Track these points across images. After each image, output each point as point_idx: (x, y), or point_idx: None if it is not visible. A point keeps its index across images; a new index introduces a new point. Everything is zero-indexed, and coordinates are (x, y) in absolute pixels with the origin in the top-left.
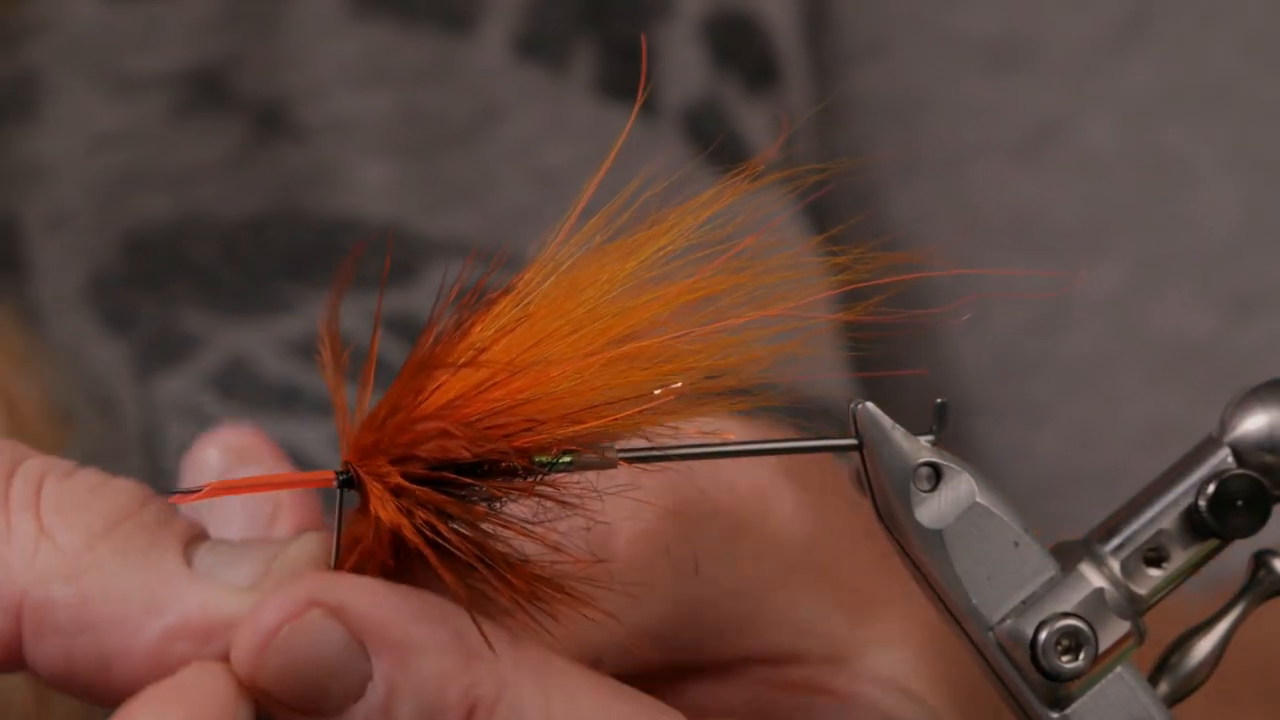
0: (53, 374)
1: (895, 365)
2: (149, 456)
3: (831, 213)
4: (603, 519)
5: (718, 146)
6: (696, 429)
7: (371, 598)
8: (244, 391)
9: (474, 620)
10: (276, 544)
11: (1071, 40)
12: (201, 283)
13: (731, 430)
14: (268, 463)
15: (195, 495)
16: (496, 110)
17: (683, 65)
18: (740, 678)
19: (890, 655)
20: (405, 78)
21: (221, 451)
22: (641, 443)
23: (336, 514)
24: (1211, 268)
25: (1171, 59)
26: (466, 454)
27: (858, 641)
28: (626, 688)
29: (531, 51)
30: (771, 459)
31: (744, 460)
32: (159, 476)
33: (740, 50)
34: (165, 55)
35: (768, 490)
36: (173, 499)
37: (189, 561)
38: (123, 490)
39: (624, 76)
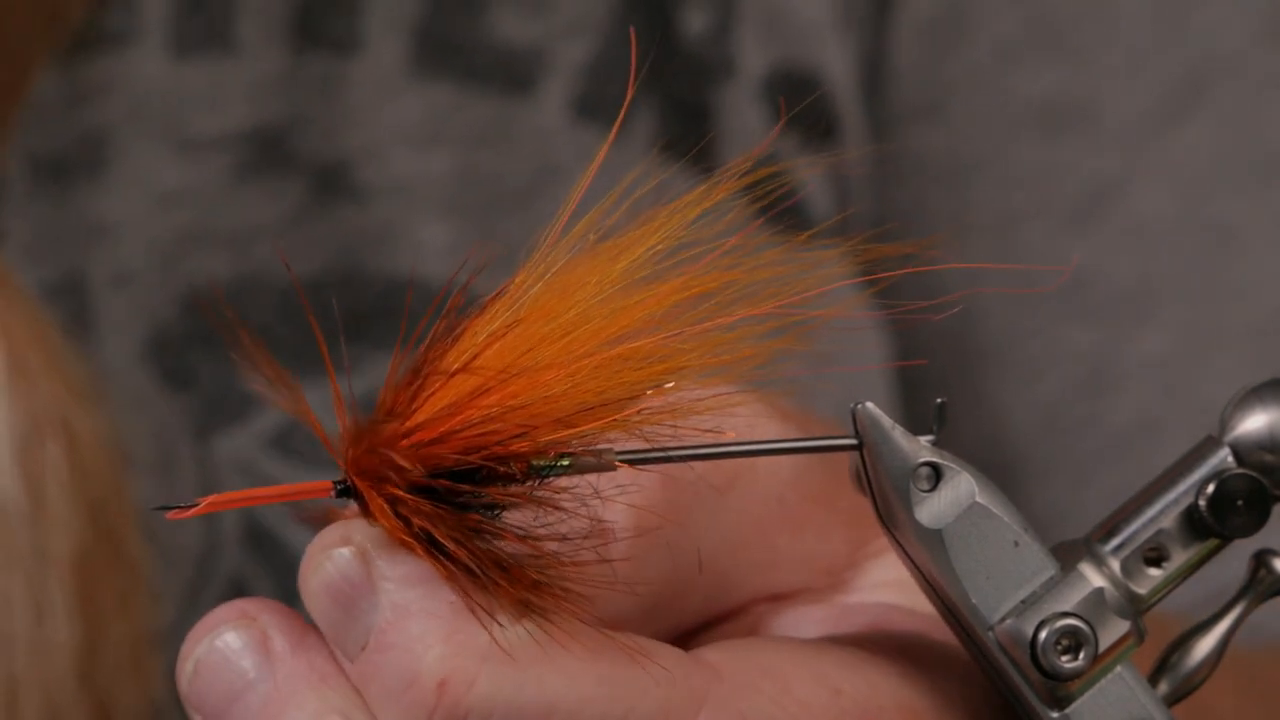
0: (115, 412)
1: (949, 420)
2: (206, 516)
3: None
4: (602, 521)
5: (777, 202)
6: (694, 427)
7: (390, 552)
8: (301, 451)
9: (468, 598)
10: None
11: (1126, 107)
12: (260, 342)
13: (730, 429)
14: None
15: (191, 510)
16: (555, 171)
17: (744, 124)
18: (746, 618)
19: (891, 558)
20: (465, 139)
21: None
22: (640, 444)
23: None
24: (1261, 336)
25: (1225, 128)
26: (454, 462)
27: (860, 559)
28: (619, 646)
29: (590, 112)
30: (754, 399)
31: (725, 409)
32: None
33: (807, 111)
34: (228, 116)
35: (750, 433)
36: (169, 515)
37: None
38: None
39: (683, 137)
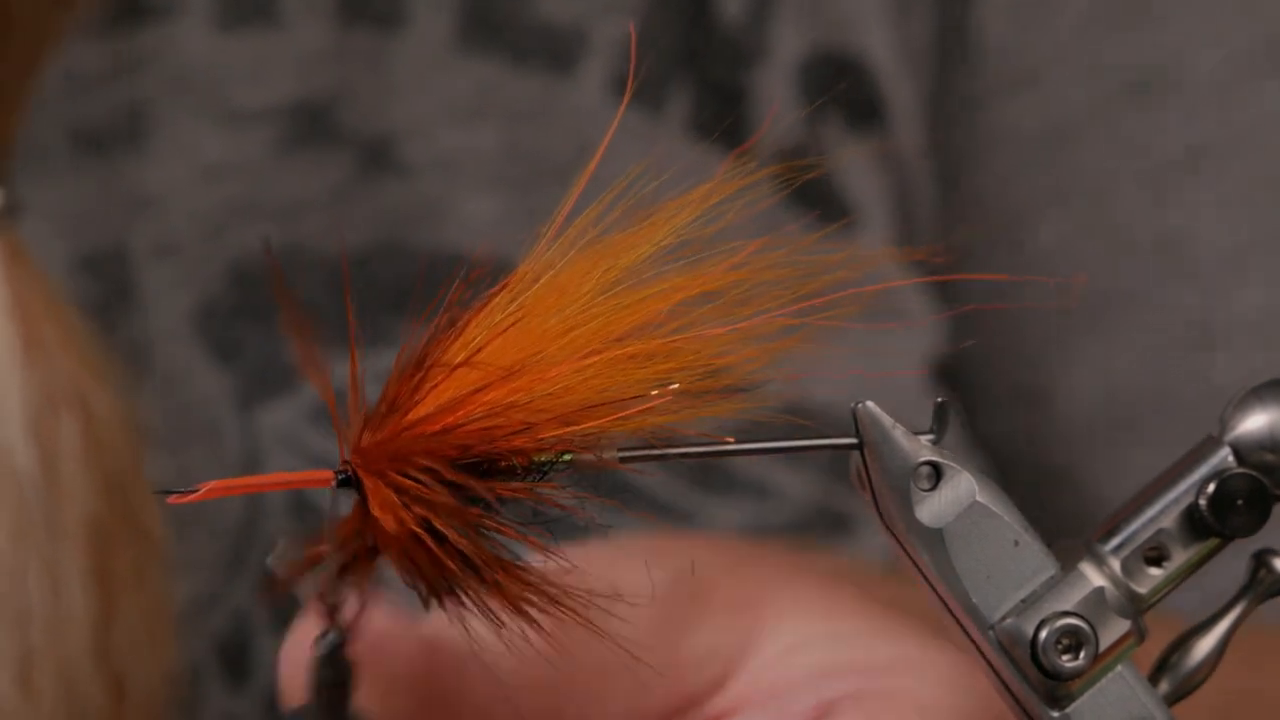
0: (133, 388)
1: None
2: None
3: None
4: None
5: (805, 189)
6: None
7: None
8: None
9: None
10: None
11: (1214, 70)
12: (305, 315)
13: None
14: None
15: (193, 495)
16: (596, 149)
17: (781, 108)
18: None
19: (788, 623)
20: (509, 115)
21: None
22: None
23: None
24: None
25: None
26: (457, 454)
27: (757, 636)
28: None
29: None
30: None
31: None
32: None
33: (839, 91)
34: (273, 88)
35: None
36: (170, 499)
37: None
38: None
39: (719, 117)
